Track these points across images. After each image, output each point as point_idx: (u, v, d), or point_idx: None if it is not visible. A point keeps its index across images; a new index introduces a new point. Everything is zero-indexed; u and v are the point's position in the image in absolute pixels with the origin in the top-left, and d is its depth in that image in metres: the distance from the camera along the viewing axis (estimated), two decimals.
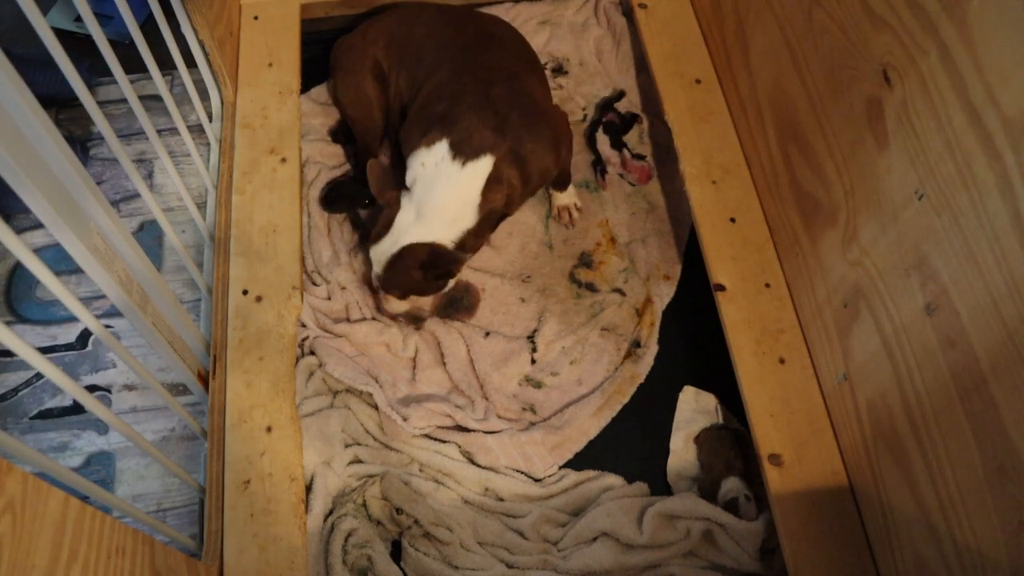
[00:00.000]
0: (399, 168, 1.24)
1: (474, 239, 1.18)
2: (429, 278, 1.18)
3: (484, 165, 1.14)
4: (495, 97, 1.17)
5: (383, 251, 1.18)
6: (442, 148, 1.14)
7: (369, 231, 1.26)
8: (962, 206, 0.78)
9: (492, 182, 1.15)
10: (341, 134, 1.47)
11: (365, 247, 1.35)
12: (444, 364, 1.25)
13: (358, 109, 1.38)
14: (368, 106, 1.37)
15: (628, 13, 1.59)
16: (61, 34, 1.64)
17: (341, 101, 1.42)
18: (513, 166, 1.16)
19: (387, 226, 1.17)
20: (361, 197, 1.35)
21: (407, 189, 1.18)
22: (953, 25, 0.78)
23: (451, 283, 1.26)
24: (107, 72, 1.63)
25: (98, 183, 1.45)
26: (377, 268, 1.20)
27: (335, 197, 1.37)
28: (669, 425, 1.22)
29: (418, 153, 1.17)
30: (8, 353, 1.29)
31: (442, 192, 1.14)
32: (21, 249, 0.78)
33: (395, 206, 1.17)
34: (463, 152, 1.13)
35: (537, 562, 1.07)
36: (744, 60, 1.29)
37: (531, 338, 1.29)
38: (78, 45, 1.63)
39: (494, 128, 1.14)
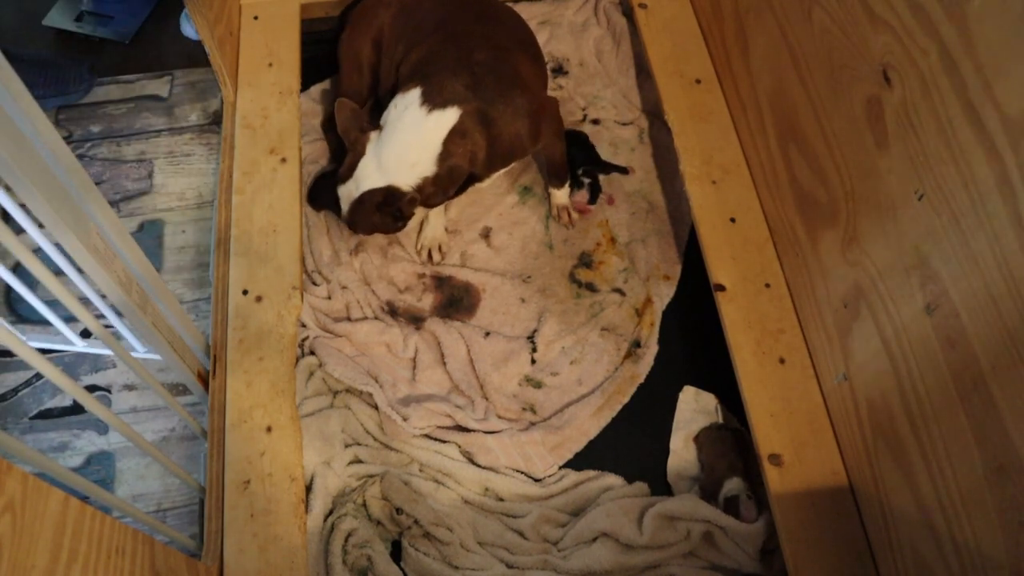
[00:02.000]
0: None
1: (433, 189, 1.20)
2: (387, 219, 1.22)
3: (449, 116, 1.16)
4: (475, 61, 1.21)
5: (347, 194, 1.23)
6: (414, 94, 1.18)
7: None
8: (962, 206, 0.78)
9: (455, 135, 1.17)
10: (331, 124, 1.46)
11: (365, 246, 1.36)
12: (444, 364, 1.25)
13: (349, 63, 1.40)
14: (359, 65, 1.38)
15: (628, 13, 1.59)
16: (61, 34, 1.64)
17: (340, 53, 1.43)
18: (480, 124, 1.18)
19: (351, 169, 1.22)
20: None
21: (377, 128, 1.22)
22: (953, 25, 0.78)
23: (410, 224, 1.27)
24: (107, 72, 1.64)
25: (98, 183, 1.46)
26: (343, 208, 1.24)
27: (320, 194, 1.36)
28: (669, 425, 1.21)
29: (395, 97, 1.21)
30: (8, 353, 1.29)
31: (405, 136, 1.18)
32: (21, 249, 0.78)
33: (360, 149, 1.21)
34: (432, 100, 1.17)
35: (537, 562, 1.07)
36: (744, 60, 1.29)
37: (531, 338, 1.29)
38: (78, 44, 1.64)
39: (466, 85, 1.18)
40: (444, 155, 1.17)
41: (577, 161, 1.43)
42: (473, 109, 1.17)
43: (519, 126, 1.21)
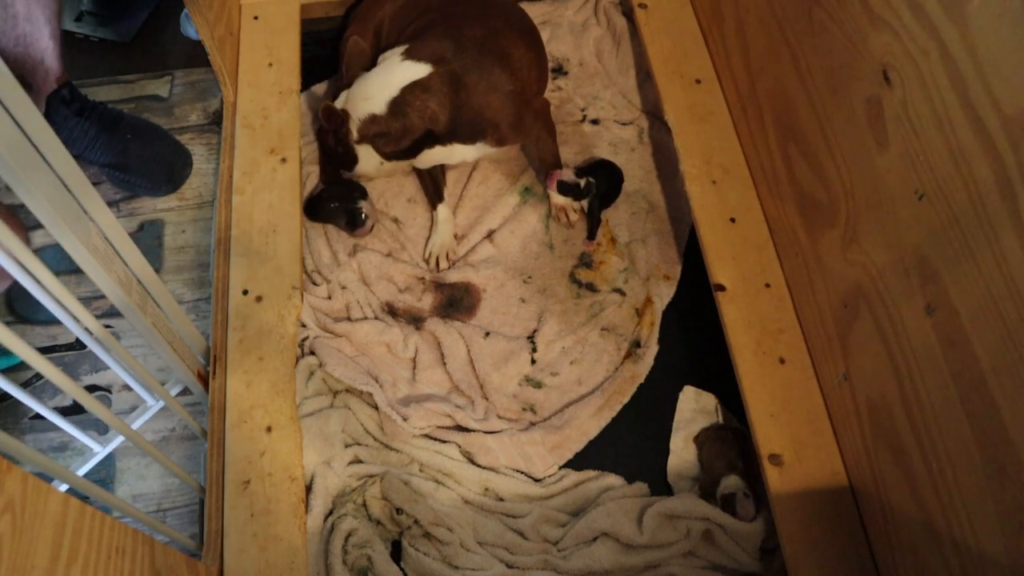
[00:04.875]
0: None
1: (379, 129, 1.24)
2: (331, 139, 1.28)
3: (419, 70, 1.21)
4: (464, 35, 1.25)
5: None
6: (400, 48, 1.26)
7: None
8: (962, 206, 0.78)
9: (417, 87, 1.21)
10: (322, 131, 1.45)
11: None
12: (444, 364, 1.25)
13: (348, 49, 1.41)
14: (360, 52, 1.39)
15: (628, 13, 1.59)
16: (62, 34, 1.63)
17: (341, 46, 1.44)
18: (448, 87, 1.21)
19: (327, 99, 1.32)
20: (338, 212, 1.35)
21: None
22: (953, 25, 0.78)
23: (356, 170, 1.33)
24: (107, 72, 1.63)
25: (97, 183, 1.46)
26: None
27: (316, 209, 1.36)
28: (669, 425, 1.22)
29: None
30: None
31: (374, 76, 1.25)
32: (21, 249, 0.78)
33: (349, 84, 1.30)
34: (411, 54, 1.23)
35: (537, 562, 1.07)
36: (744, 60, 1.29)
37: (531, 338, 1.29)
38: (77, 44, 1.64)
39: (448, 50, 1.22)
40: (399, 102, 1.21)
41: (597, 185, 1.36)
42: (446, 72, 1.21)
43: (492, 100, 1.23)
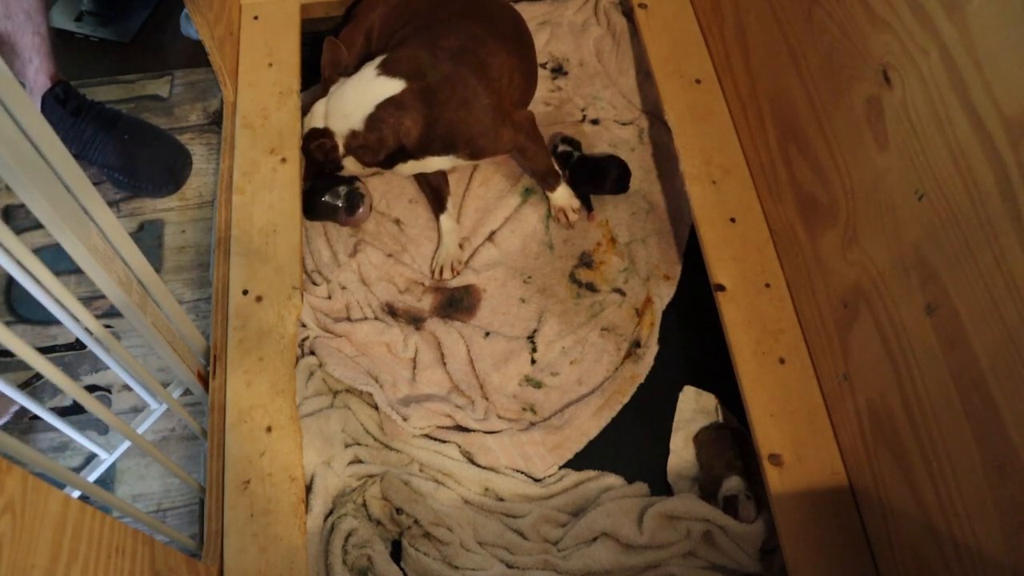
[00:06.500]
0: None
1: (358, 143, 1.25)
2: (328, 163, 1.30)
3: (393, 86, 1.22)
4: (441, 46, 1.24)
5: (303, 132, 1.33)
6: (377, 60, 1.26)
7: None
8: (962, 206, 0.78)
9: (391, 104, 1.22)
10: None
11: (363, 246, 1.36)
12: (444, 364, 1.25)
13: (324, 50, 1.41)
14: (335, 54, 1.39)
15: (628, 13, 1.59)
16: (62, 34, 1.64)
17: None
18: (421, 103, 1.22)
19: (308, 109, 1.32)
20: (332, 205, 1.35)
21: (345, 78, 1.29)
22: (953, 25, 0.78)
23: (341, 172, 1.33)
24: (107, 72, 1.63)
25: (98, 183, 1.46)
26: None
27: (310, 206, 1.36)
28: (669, 425, 1.21)
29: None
30: (8, 353, 1.29)
31: (351, 91, 1.25)
32: (21, 249, 0.78)
33: (325, 91, 1.30)
34: (386, 68, 1.24)
35: (537, 562, 1.07)
36: (744, 60, 1.29)
37: (531, 338, 1.29)
38: (77, 44, 1.64)
39: (423, 64, 1.22)
40: (374, 118, 1.22)
41: (607, 177, 1.40)
42: (419, 87, 1.21)
43: (464, 115, 1.22)
